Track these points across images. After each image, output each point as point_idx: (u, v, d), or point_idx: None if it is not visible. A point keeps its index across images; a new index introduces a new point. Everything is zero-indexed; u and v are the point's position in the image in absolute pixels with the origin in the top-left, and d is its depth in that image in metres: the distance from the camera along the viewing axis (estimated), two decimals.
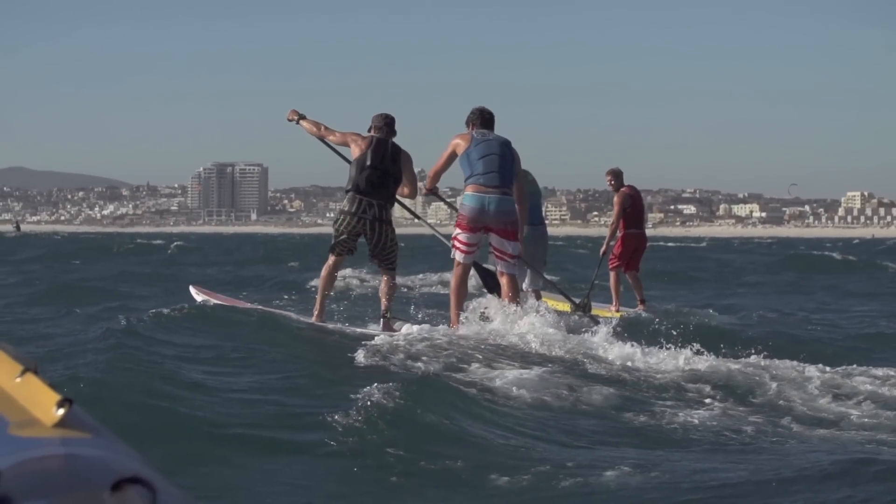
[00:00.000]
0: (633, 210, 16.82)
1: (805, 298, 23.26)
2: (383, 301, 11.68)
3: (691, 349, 10.05)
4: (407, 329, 11.15)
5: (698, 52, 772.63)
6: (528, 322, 10.71)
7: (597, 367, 9.41)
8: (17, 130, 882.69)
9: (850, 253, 51.22)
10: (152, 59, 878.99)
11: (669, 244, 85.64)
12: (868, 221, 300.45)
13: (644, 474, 5.71)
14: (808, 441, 7.00)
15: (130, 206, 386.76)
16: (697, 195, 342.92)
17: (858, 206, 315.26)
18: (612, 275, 16.66)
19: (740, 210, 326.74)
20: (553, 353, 9.87)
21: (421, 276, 26.81)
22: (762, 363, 9.75)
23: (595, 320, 12.51)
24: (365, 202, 11.51)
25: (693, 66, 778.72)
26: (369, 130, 11.85)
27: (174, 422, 6.40)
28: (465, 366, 8.92)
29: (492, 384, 8.18)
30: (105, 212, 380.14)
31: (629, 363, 9.63)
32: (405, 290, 21.44)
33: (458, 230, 11.49)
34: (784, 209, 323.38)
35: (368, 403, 6.62)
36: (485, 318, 11.07)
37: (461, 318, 11.12)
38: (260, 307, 12.48)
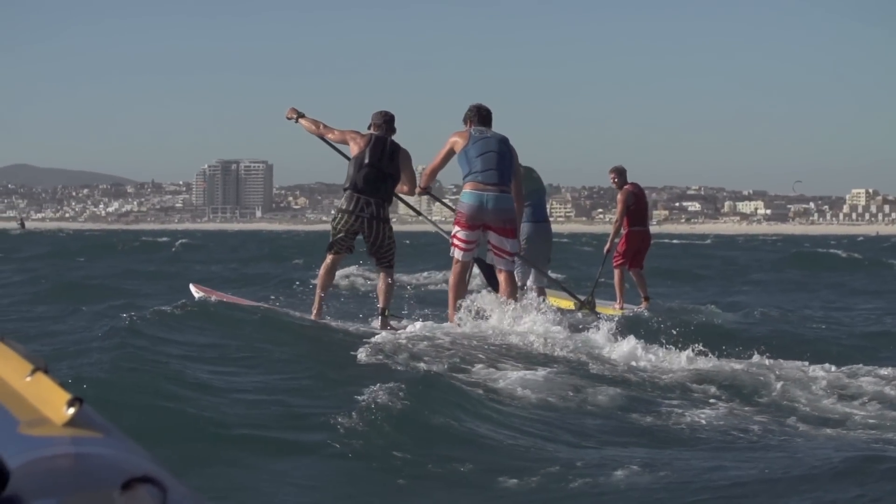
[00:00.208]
0: (636, 208, 16.81)
1: (810, 296, 23.24)
2: (381, 299, 11.70)
3: (695, 349, 10.02)
4: (411, 327, 11.17)
5: (703, 48, 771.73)
6: (530, 320, 10.71)
7: (601, 366, 9.39)
8: (22, 127, 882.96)
9: (854, 250, 51.17)
10: (157, 55, 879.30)
11: (674, 241, 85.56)
12: (873, 219, 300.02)
13: (653, 474, 5.69)
14: (816, 440, 6.98)
15: (135, 203, 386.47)
16: (702, 192, 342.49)
17: (863, 203, 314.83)
18: (616, 272, 16.65)
19: (745, 207, 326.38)
20: (556, 352, 9.85)
21: (426, 273, 26.79)
22: (767, 362, 9.72)
23: (599, 318, 12.49)
24: (363, 200, 11.52)
25: (698, 63, 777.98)
26: (369, 128, 11.86)
27: (181, 422, 6.38)
28: (469, 366, 8.90)
29: (496, 385, 8.17)
30: (110, 209, 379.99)
31: (633, 363, 9.61)
32: (410, 287, 21.42)
33: (456, 228, 11.48)
34: (789, 206, 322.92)
35: (374, 404, 6.61)
36: (480, 314, 11.07)
37: (458, 315, 11.13)
38: (262, 304, 12.47)
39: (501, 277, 11.46)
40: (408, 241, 61.06)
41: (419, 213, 13.91)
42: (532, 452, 6.28)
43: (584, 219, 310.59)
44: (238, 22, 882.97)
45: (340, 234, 11.64)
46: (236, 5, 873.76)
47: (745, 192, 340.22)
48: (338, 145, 12.19)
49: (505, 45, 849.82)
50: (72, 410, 1.51)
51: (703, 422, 7.40)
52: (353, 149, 11.68)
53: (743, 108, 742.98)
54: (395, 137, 11.76)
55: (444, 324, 11.13)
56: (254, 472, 5.62)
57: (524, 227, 14.27)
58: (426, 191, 12.21)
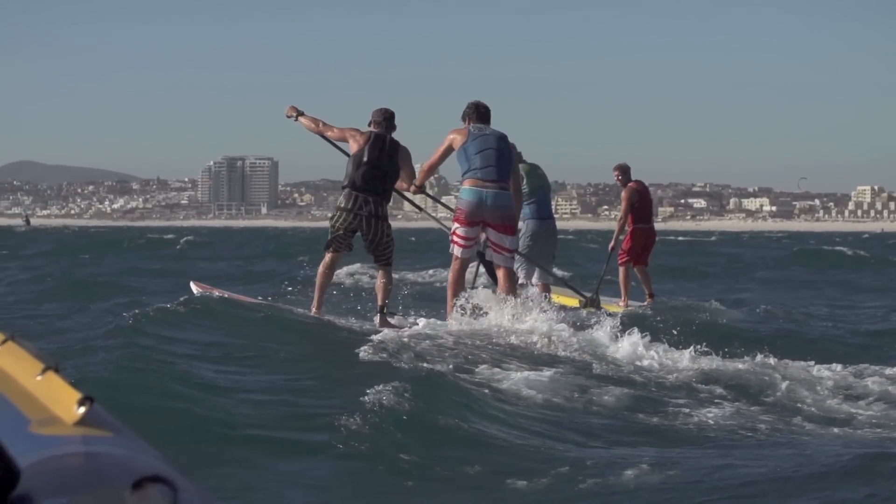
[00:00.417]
0: (640, 205, 16.79)
1: (815, 294, 23.21)
2: (380, 296, 11.73)
3: (700, 347, 9.99)
4: (413, 324, 11.20)
5: (709, 45, 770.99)
6: (533, 319, 10.70)
7: (606, 365, 9.37)
8: (27, 124, 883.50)
9: (859, 247, 51.06)
10: (163, 52, 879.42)
11: (680, 238, 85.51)
12: (878, 215, 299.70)
13: (663, 473, 5.68)
14: (824, 439, 6.97)
15: (140, 199, 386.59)
16: (708, 189, 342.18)
17: (868, 200, 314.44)
18: (621, 270, 16.64)
19: (750, 204, 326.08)
20: (560, 351, 9.84)
21: (431, 271, 26.73)
22: (773, 362, 9.69)
23: (603, 315, 12.47)
24: (361, 198, 11.55)
25: (703, 60, 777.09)
26: (369, 125, 11.87)
27: (188, 422, 6.38)
28: (474, 365, 8.88)
29: (502, 385, 8.15)
30: (115, 206, 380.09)
31: (638, 362, 9.58)
32: (411, 285, 21.38)
33: (455, 224, 11.48)
34: (794, 203, 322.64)
35: (381, 404, 6.60)
36: (478, 311, 11.08)
37: (455, 311, 11.15)
38: (264, 301, 12.45)
39: (500, 274, 11.48)
40: (413, 238, 61.04)
41: (421, 210, 13.92)
42: (541, 453, 6.26)
43: (589, 216, 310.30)
44: (243, 18, 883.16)
45: (339, 232, 11.66)
46: (242, 1, 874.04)
47: (751, 189, 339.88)
48: (338, 143, 12.19)
49: (510, 41, 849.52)
50: (82, 409, 1.51)
51: (711, 421, 7.39)
52: (353, 146, 11.70)
53: (748, 105, 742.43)
54: (394, 134, 11.77)
55: (448, 321, 11.11)
56: (262, 472, 5.62)
57: (529, 224, 14.27)
58: (421, 189, 12.18)
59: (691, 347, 9.98)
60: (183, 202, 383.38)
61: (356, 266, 24.46)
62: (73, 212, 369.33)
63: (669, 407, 7.84)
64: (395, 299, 15.28)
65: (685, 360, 9.62)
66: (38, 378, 1.61)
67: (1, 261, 33.19)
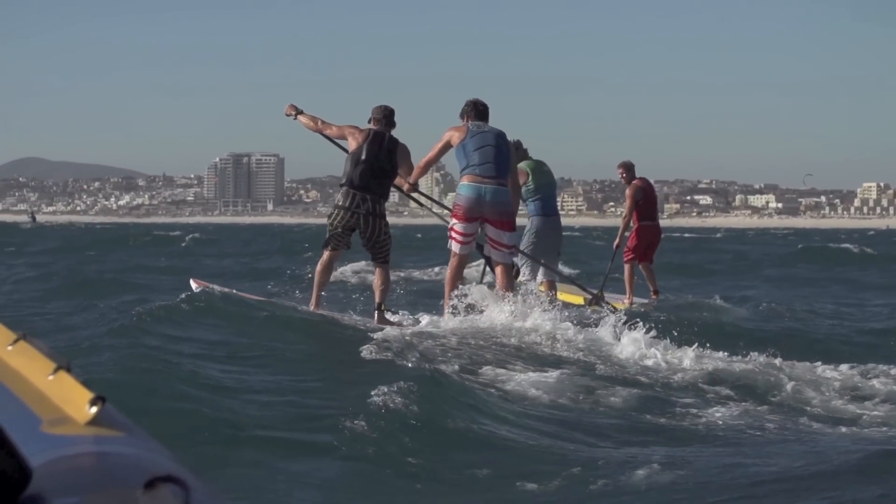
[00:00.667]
0: (645, 202, 16.79)
1: (821, 292, 23.15)
2: (377, 294, 11.75)
3: (704, 346, 9.98)
4: (423, 321, 11.22)
5: (716, 43, 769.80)
6: (536, 317, 10.69)
7: (611, 365, 9.36)
8: (33, 121, 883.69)
9: (866, 244, 50.96)
10: (169, 49, 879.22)
11: (685, 235, 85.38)
12: (884, 212, 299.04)
13: (674, 473, 5.67)
14: (833, 438, 6.96)
15: (146, 196, 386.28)
16: (714, 186, 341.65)
17: (874, 196, 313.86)
18: (626, 267, 16.63)
19: (756, 201, 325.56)
20: (565, 351, 9.83)
21: (437, 268, 26.66)
22: (778, 361, 9.67)
23: (608, 313, 12.46)
24: (358, 197, 11.57)
25: (710, 57, 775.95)
26: (369, 122, 11.88)
27: (197, 423, 6.37)
28: (479, 366, 8.88)
29: (508, 386, 8.15)
30: (121, 202, 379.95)
31: (643, 361, 9.57)
32: (423, 283, 21.36)
33: (454, 220, 11.49)
34: (800, 200, 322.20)
35: (388, 405, 6.60)
36: (470, 309, 11.08)
37: (450, 308, 11.16)
38: (267, 299, 12.45)
39: (498, 270, 11.51)
40: (419, 235, 60.98)
41: (422, 206, 13.92)
42: (551, 454, 6.25)
43: (595, 212, 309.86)
44: (250, 16, 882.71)
45: (337, 231, 11.70)
46: None
47: (757, 186, 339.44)
48: (338, 140, 12.18)
49: (517, 38, 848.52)
50: (94, 409, 1.51)
51: (720, 421, 7.38)
52: (352, 144, 11.73)
53: (755, 102, 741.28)
54: (393, 132, 11.79)
55: (451, 319, 11.09)
56: (271, 473, 5.61)
57: (533, 221, 14.29)
58: (414, 187, 12.19)
59: (696, 346, 9.96)
60: (189, 199, 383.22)
61: (361, 264, 24.42)
62: (78, 208, 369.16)
63: (677, 407, 7.84)
64: (402, 297, 15.30)
65: (690, 359, 9.59)
66: (50, 377, 1.61)
67: (7, 258, 33.19)
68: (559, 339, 10.16)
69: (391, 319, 11.56)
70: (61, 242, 48.36)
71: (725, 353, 9.94)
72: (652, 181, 17.21)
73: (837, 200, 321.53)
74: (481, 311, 11.03)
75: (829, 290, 23.70)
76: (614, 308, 13.56)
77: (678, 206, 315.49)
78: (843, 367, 9.66)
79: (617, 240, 16.83)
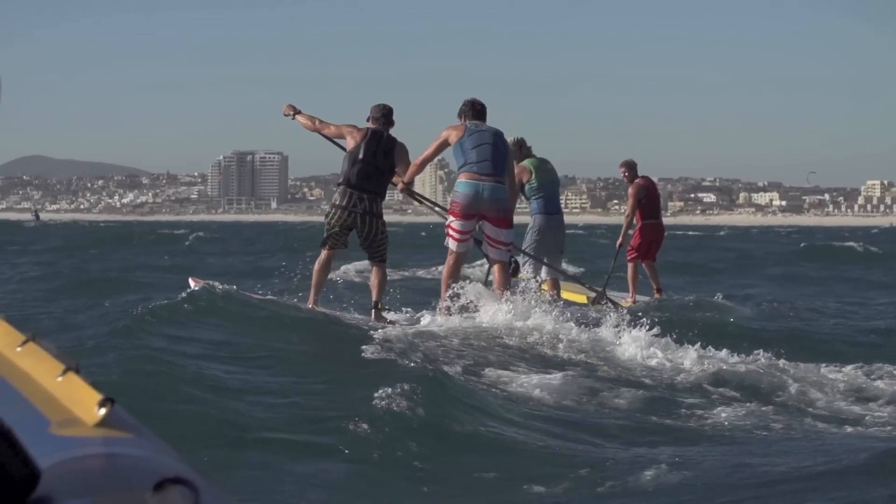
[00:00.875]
0: (647, 201, 16.78)
1: (824, 290, 23.07)
2: (374, 293, 11.79)
3: (708, 345, 9.95)
4: (425, 320, 11.24)
5: (719, 40, 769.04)
6: (536, 316, 10.68)
7: (615, 365, 9.34)
8: (37, 119, 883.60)
9: (869, 242, 50.86)
10: (172, 47, 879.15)
11: (689, 233, 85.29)
12: (888, 210, 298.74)
13: (682, 473, 5.66)
14: (839, 438, 6.95)
15: (150, 194, 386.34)
16: (717, 184, 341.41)
17: (878, 194, 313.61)
18: (629, 266, 16.63)
19: (760, 198, 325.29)
20: (568, 351, 9.80)
21: (440, 267, 26.59)
22: (782, 361, 9.64)
23: (611, 311, 12.44)
24: (356, 196, 11.58)
25: (713, 54, 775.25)
26: (367, 121, 11.89)
27: (204, 425, 6.36)
28: (482, 367, 8.87)
29: (512, 387, 8.14)
30: (125, 200, 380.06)
31: (646, 360, 9.55)
32: (426, 281, 21.31)
33: (451, 218, 11.49)
34: (804, 198, 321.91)
35: (392, 407, 6.59)
36: (464, 309, 11.08)
37: (445, 305, 11.16)
38: (268, 297, 12.44)
39: (495, 268, 11.51)
40: (423, 234, 60.91)
41: (422, 202, 13.91)
42: (557, 455, 6.24)
43: (599, 210, 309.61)
44: (255, 14, 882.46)
45: (334, 230, 11.73)
46: None
47: (761, 184, 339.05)
48: (336, 140, 12.18)
49: (519, 35, 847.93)
50: (103, 411, 1.51)
51: (726, 422, 7.37)
52: (350, 143, 11.74)
53: (758, 100, 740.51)
54: (392, 130, 11.80)
55: (451, 318, 11.07)
56: (278, 474, 5.60)
57: (535, 219, 14.28)
58: (408, 187, 12.19)
59: (699, 345, 9.93)
60: (193, 197, 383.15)
61: (364, 263, 24.36)
62: (82, 206, 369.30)
63: (682, 408, 7.83)
64: (405, 296, 15.27)
65: (693, 358, 9.56)
66: (59, 379, 1.60)
67: (11, 256, 33.15)
68: (562, 338, 10.13)
69: (388, 318, 11.59)
70: (65, 241, 48.31)
71: (729, 353, 9.90)
72: (655, 179, 17.24)
73: (841, 198, 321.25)
74: (476, 310, 11.02)
75: (832, 289, 23.63)
76: (617, 306, 13.55)
77: (682, 203, 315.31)
78: (848, 367, 9.61)
79: (620, 239, 16.83)
